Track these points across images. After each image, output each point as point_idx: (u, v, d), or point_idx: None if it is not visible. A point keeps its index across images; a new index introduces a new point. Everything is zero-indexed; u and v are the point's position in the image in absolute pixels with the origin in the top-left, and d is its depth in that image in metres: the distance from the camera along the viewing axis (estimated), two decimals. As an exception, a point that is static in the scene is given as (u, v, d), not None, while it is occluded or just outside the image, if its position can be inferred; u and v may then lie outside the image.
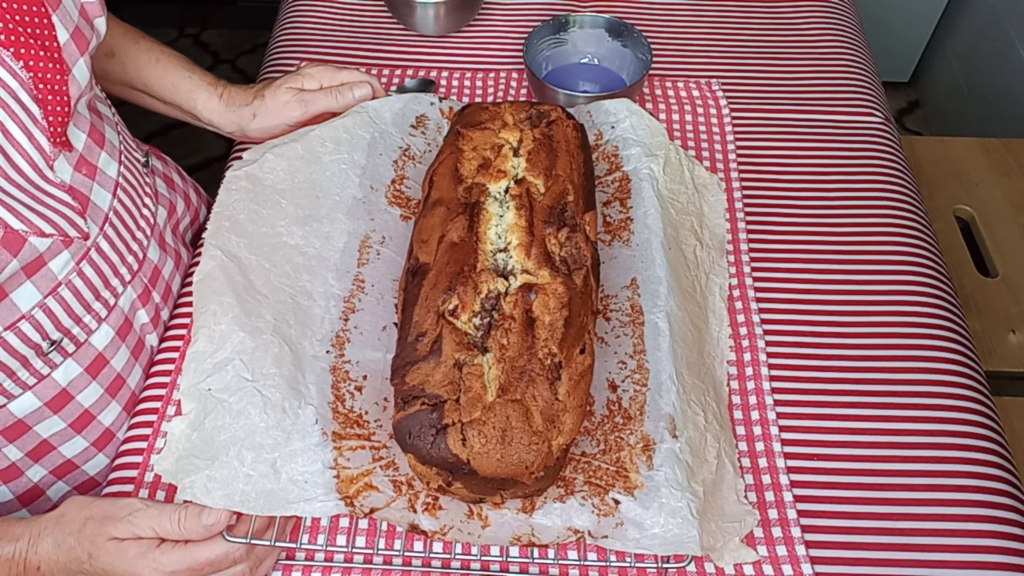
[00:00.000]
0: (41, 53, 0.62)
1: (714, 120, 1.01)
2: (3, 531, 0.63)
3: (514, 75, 1.08)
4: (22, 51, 0.61)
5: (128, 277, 0.76)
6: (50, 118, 0.64)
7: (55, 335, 0.69)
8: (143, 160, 0.84)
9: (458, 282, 0.67)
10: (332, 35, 1.12)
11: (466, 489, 0.64)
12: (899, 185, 0.96)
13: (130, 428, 0.77)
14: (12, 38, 0.60)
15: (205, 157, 2.14)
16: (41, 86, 0.63)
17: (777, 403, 0.77)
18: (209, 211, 1.01)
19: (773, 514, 0.70)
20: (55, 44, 0.64)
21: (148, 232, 0.80)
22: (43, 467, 0.75)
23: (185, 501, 0.65)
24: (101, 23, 0.72)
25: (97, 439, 0.77)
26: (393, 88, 1.04)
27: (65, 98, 0.65)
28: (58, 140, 0.65)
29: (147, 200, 0.81)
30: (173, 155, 1.04)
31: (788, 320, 0.83)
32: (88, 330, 0.72)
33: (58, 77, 0.64)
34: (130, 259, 0.76)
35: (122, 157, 0.77)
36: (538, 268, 0.69)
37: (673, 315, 0.75)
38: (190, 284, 0.80)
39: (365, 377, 0.73)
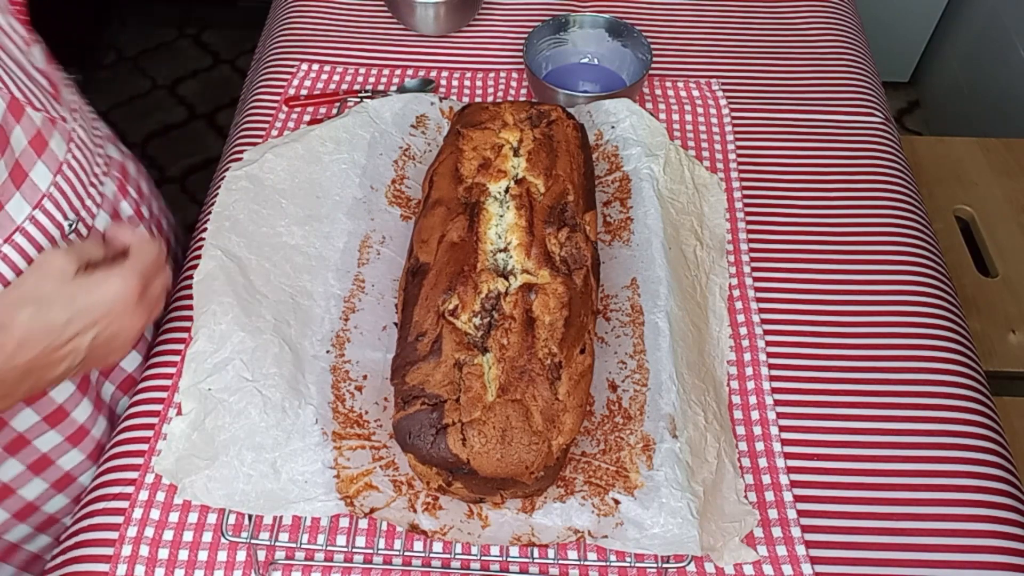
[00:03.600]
0: None
1: (714, 120, 1.01)
2: None
3: (514, 75, 1.08)
4: None
5: (105, 168, 0.78)
6: (12, 7, 0.68)
7: (71, 215, 0.71)
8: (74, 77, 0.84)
9: (458, 282, 0.67)
10: (332, 35, 1.12)
11: (466, 489, 0.64)
12: (899, 185, 0.96)
13: (130, 429, 0.77)
14: None
15: (205, 157, 2.14)
16: None
17: (777, 403, 0.77)
18: (204, 191, 1.01)
19: (773, 514, 0.70)
20: None
21: (103, 135, 0.82)
22: None
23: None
24: None
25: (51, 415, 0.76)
26: (393, 88, 1.05)
27: None
28: (28, 27, 0.69)
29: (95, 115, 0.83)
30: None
31: (788, 320, 0.83)
32: (92, 214, 0.74)
33: None
34: (99, 154, 0.78)
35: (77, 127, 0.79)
36: (538, 268, 0.69)
37: (673, 315, 0.75)
38: (190, 285, 0.80)
39: (365, 377, 0.73)
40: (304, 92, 1.04)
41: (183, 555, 0.67)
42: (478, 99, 1.05)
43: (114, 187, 0.79)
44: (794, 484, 0.72)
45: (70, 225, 0.70)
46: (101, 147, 0.79)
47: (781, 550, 0.68)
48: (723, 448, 0.71)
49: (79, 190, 0.72)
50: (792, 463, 0.74)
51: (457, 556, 0.67)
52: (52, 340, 0.61)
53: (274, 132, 1.00)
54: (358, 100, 1.01)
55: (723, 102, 1.03)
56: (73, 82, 0.81)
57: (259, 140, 0.99)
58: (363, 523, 0.69)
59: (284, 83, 1.05)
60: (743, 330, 0.82)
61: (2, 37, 0.66)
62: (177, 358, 0.80)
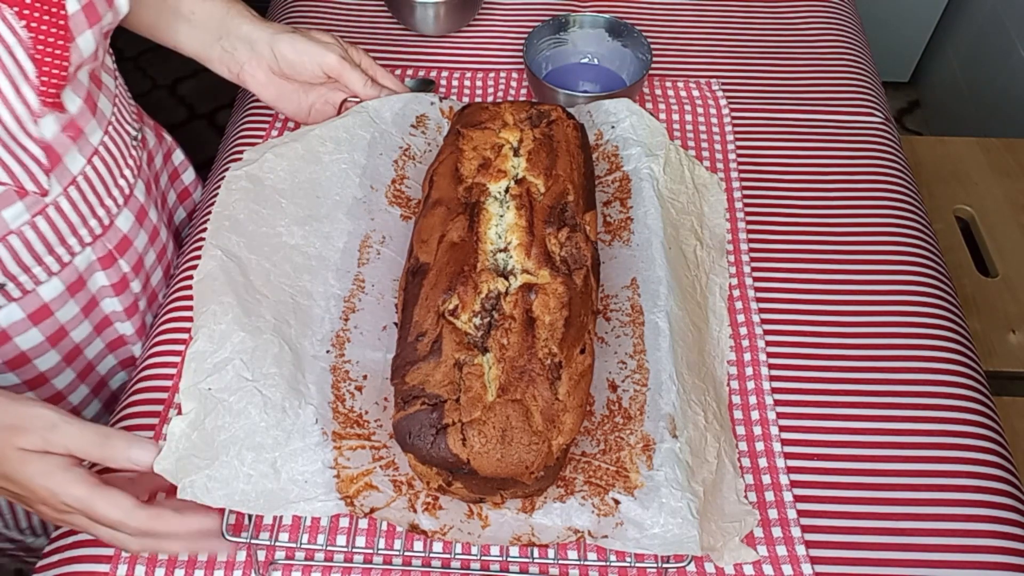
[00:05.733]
0: (46, 18, 0.65)
1: (714, 120, 1.01)
2: None
3: (514, 75, 1.08)
4: (26, 12, 0.64)
5: (88, 239, 0.78)
6: (43, 78, 0.67)
7: (0, 279, 0.72)
8: (134, 134, 0.86)
9: (458, 282, 0.67)
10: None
11: (466, 489, 0.64)
12: (899, 185, 0.96)
13: (129, 429, 0.77)
14: None
15: (205, 157, 2.13)
16: (40, 47, 0.66)
17: (777, 403, 0.77)
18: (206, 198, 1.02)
19: (773, 514, 0.70)
20: (62, 12, 0.67)
21: (121, 202, 0.82)
22: None
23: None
24: (123, 3, 0.74)
25: (30, 380, 0.79)
26: (393, 88, 1.05)
27: (64, 63, 0.68)
28: (49, 100, 0.68)
29: (127, 172, 0.83)
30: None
31: (788, 320, 0.83)
32: (36, 280, 0.75)
33: (60, 43, 0.67)
34: (93, 223, 0.78)
35: (109, 128, 0.80)
36: (538, 268, 0.69)
37: (673, 315, 0.75)
38: (189, 285, 0.80)
39: (365, 377, 0.73)
40: (304, 92, 1.04)
41: (183, 555, 0.67)
42: (478, 99, 1.05)
43: (93, 257, 0.80)
44: (794, 484, 0.72)
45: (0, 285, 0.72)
46: (102, 218, 0.79)
47: (781, 550, 0.68)
48: (723, 448, 0.71)
49: (24, 257, 0.72)
50: (792, 463, 0.74)
51: (457, 556, 0.67)
52: None
53: (274, 132, 1.00)
54: (358, 100, 1.01)
55: (723, 102, 1.03)
56: (133, 140, 0.83)
57: (259, 140, 0.99)
58: (363, 523, 0.69)
59: (284, 83, 1.05)
60: (743, 330, 0.82)
61: (1, 109, 0.65)
62: (177, 358, 0.80)
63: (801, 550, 0.68)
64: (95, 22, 0.70)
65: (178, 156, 1.00)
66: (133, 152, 0.84)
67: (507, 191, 0.75)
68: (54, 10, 0.66)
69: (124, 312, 0.85)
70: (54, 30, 0.66)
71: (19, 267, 0.73)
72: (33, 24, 0.65)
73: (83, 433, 0.59)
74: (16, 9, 0.63)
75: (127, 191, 0.83)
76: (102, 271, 0.81)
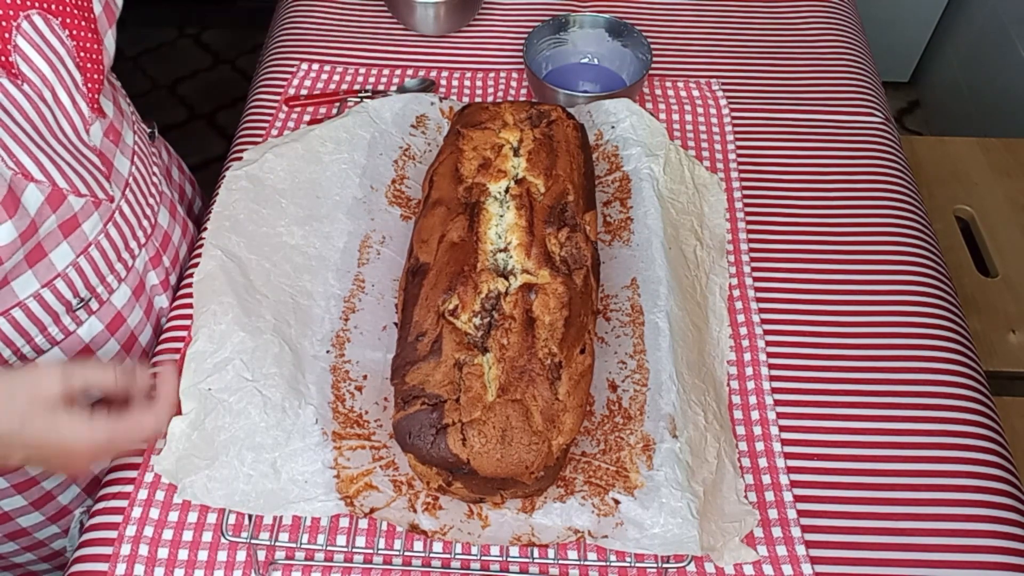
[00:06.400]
0: (82, 23, 0.66)
1: (714, 120, 1.01)
2: None
3: (514, 75, 1.08)
4: (68, 20, 0.65)
5: (143, 240, 0.79)
6: (88, 84, 0.68)
7: (84, 293, 0.72)
8: (149, 132, 0.87)
9: (458, 282, 0.67)
10: (332, 35, 1.12)
11: (466, 489, 0.64)
12: (899, 185, 0.96)
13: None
14: (60, 7, 0.64)
15: (205, 157, 2.14)
16: (82, 54, 0.66)
17: (777, 403, 0.77)
18: (204, 190, 1.03)
19: (773, 514, 0.70)
20: (92, 15, 0.67)
21: (158, 199, 0.83)
22: None
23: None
24: None
25: None
26: (393, 88, 1.05)
27: (100, 67, 0.69)
28: (95, 106, 0.69)
29: (155, 169, 0.84)
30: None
31: (788, 320, 0.83)
32: (110, 289, 0.76)
33: (95, 47, 0.68)
34: (144, 223, 0.79)
35: (135, 127, 0.81)
36: (538, 268, 0.69)
37: (673, 315, 0.75)
38: (190, 283, 0.80)
39: (365, 377, 0.73)
40: (304, 92, 1.04)
41: (183, 555, 0.67)
42: (478, 99, 1.05)
43: (147, 258, 0.80)
44: (794, 484, 0.72)
45: (79, 302, 0.72)
46: (150, 217, 0.80)
47: (781, 550, 0.68)
48: (723, 448, 0.71)
49: (102, 268, 0.73)
50: (792, 463, 0.74)
51: (457, 556, 0.67)
52: None
53: (274, 132, 1.00)
54: (358, 100, 1.01)
55: (723, 102, 1.03)
56: (148, 137, 0.84)
57: (259, 140, 0.99)
58: (363, 523, 0.69)
59: (284, 83, 1.05)
60: (743, 330, 0.82)
61: (61, 119, 0.65)
62: (177, 357, 0.80)
63: (801, 550, 0.68)
64: (113, 21, 0.71)
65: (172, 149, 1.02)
66: (153, 149, 0.85)
67: (507, 191, 0.75)
68: (87, 15, 0.66)
69: (169, 307, 0.86)
70: (89, 35, 0.66)
71: (97, 278, 0.73)
72: (74, 32, 0.65)
73: (99, 364, 0.64)
74: (60, 19, 0.64)
75: (160, 187, 0.84)
76: (153, 270, 0.82)
